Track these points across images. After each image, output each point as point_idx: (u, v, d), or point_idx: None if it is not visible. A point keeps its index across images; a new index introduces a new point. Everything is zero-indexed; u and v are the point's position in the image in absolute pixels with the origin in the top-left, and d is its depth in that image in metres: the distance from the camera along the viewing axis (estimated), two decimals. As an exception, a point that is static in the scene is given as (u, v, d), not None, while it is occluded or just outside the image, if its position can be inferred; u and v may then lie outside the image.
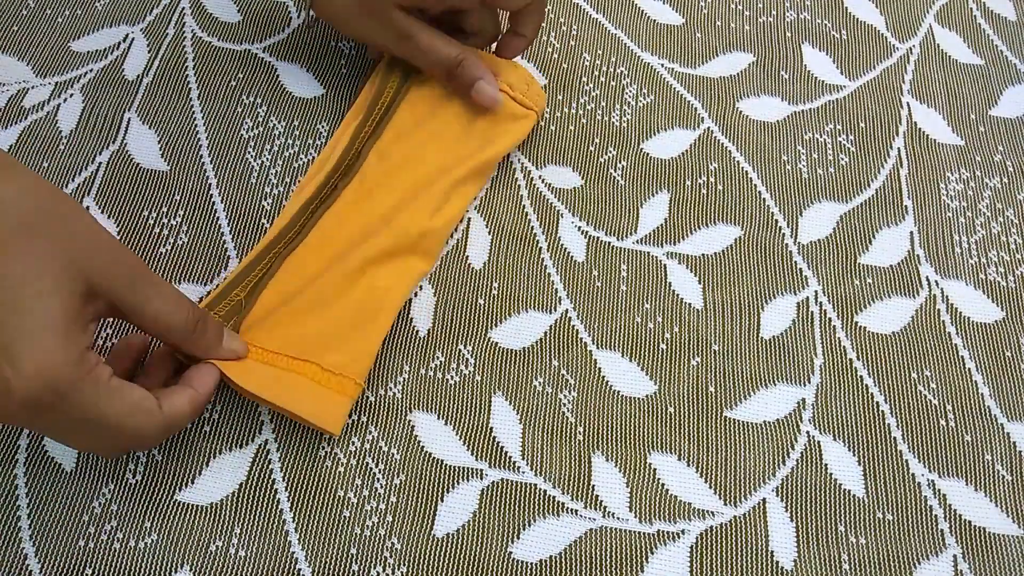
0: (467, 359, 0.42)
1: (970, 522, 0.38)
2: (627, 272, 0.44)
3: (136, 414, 0.32)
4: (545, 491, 0.39)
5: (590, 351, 0.42)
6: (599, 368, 0.41)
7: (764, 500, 0.39)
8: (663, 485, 0.39)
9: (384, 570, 0.37)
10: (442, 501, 0.38)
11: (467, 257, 0.44)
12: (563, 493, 0.39)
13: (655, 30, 0.52)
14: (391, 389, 0.41)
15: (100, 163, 0.46)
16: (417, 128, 0.46)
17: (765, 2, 0.54)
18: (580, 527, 0.38)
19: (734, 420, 0.40)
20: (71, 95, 0.48)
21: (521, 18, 0.46)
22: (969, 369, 0.42)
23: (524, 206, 0.46)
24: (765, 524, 0.38)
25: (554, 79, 0.50)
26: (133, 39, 0.50)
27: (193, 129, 0.47)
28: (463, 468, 0.39)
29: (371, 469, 0.39)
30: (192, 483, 0.38)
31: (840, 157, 0.48)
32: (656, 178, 0.47)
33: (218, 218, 0.45)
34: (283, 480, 0.38)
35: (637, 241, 0.45)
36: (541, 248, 0.45)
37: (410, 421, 0.40)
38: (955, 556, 0.38)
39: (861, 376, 0.42)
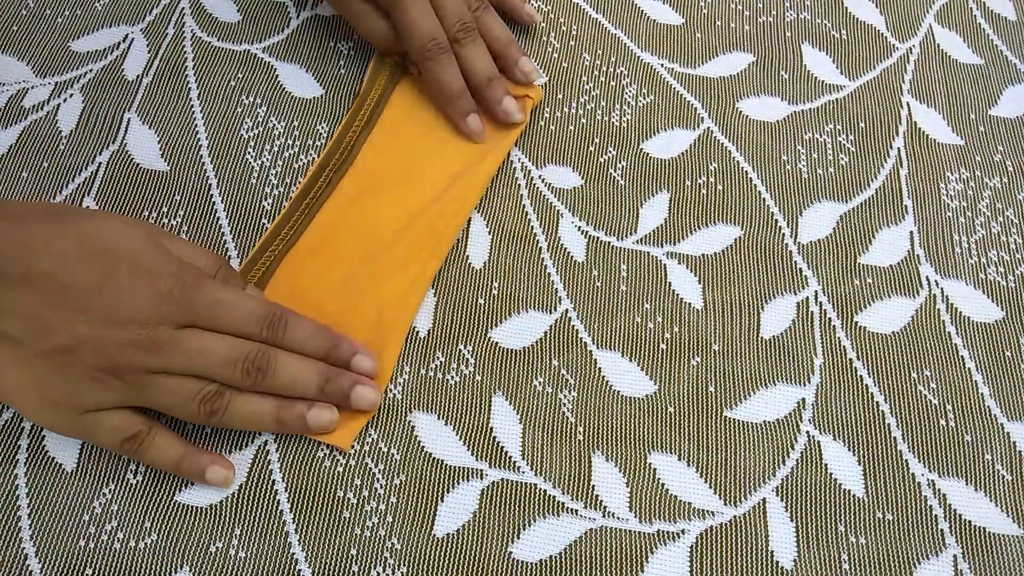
0: (467, 359, 0.42)
1: (970, 522, 0.39)
2: (627, 272, 0.44)
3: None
4: (545, 491, 0.39)
5: (590, 351, 0.42)
6: (599, 368, 0.42)
7: (764, 500, 0.39)
8: (663, 485, 0.39)
9: (384, 570, 0.37)
10: (442, 501, 0.38)
11: (467, 257, 0.44)
12: (563, 493, 0.39)
13: (655, 30, 0.52)
14: (391, 390, 0.41)
15: (100, 163, 0.46)
16: (410, 122, 0.46)
17: (765, 2, 0.54)
18: (580, 527, 0.38)
19: (734, 420, 0.40)
20: (71, 95, 0.48)
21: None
22: (969, 369, 0.42)
23: (524, 206, 0.46)
24: (765, 524, 0.38)
25: (554, 79, 0.50)
26: (133, 39, 0.50)
27: (193, 129, 0.47)
28: (463, 468, 0.39)
29: (371, 469, 0.39)
30: (192, 484, 0.38)
31: (840, 157, 0.48)
32: (656, 178, 0.47)
33: (218, 218, 0.45)
34: (283, 481, 0.38)
35: (637, 241, 0.45)
36: (541, 248, 0.45)
37: (410, 421, 0.40)
38: (955, 556, 0.38)
39: (861, 376, 0.42)
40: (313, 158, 0.47)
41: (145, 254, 0.36)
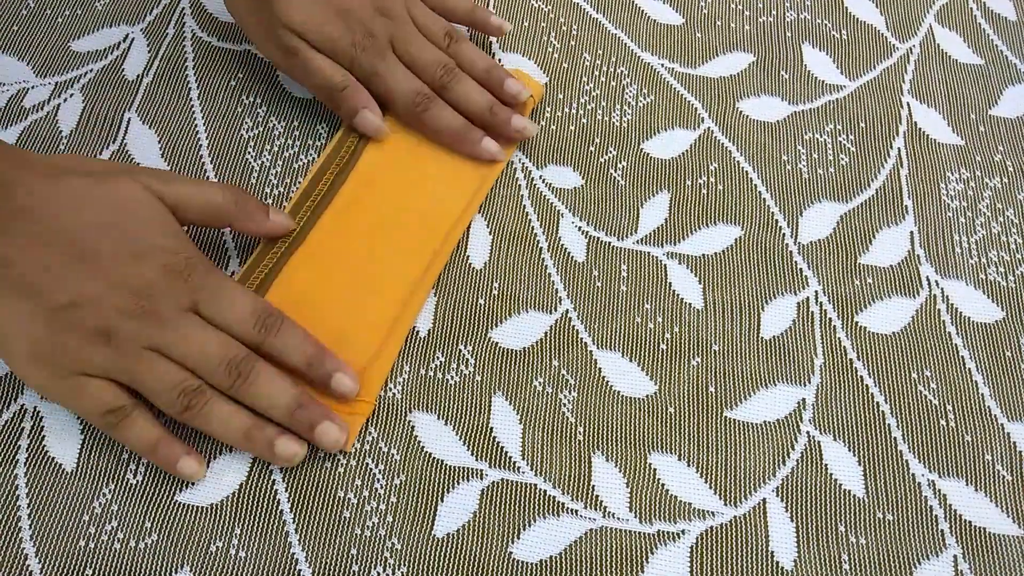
0: (467, 359, 0.42)
1: (970, 522, 0.39)
2: (627, 272, 0.44)
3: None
4: (545, 491, 0.39)
5: (590, 351, 0.42)
6: (599, 368, 0.42)
7: (764, 500, 0.39)
8: (663, 485, 0.39)
9: (384, 570, 0.37)
10: (442, 501, 0.38)
11: (467, 257, 0.44)
12: (563, 493, 0.39)
13: (655, 30, 0.52)
14: (391, 389, 0.41)
15: (100, 163, 0.46)
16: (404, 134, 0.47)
17: (765, 2, 0.54)
18: (580, 527, 0.38)
19: (734, 420, 0.40)
20: (71, 95, 0.48)
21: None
22: (969, 369, 0.42)
23: (524, 206, 0.46)
24: (765, 524, 0.38)
25: (554, 79, 0.50)
26: (133, 39, 0.50)
27: (193, 129, 0.47)
28: (463, 468, 0.39)
29: (371, 469, 0.39)
30: (192, 484, 0.38)
31: (840, 157, 0.48)
32: (656, 178, 0.47)
33: (218, 218, 0.45)
34: (283, 481, 0.38)
35: (637, 241, 0.45)
36: (541, 248, 0.45)
37: (410, 421, 0.40)
38: (955, 556, 0.38)
39: (861, 376, 0.42)
40: (313, 158, 0.47)
41: (167, 232, 0.38)
